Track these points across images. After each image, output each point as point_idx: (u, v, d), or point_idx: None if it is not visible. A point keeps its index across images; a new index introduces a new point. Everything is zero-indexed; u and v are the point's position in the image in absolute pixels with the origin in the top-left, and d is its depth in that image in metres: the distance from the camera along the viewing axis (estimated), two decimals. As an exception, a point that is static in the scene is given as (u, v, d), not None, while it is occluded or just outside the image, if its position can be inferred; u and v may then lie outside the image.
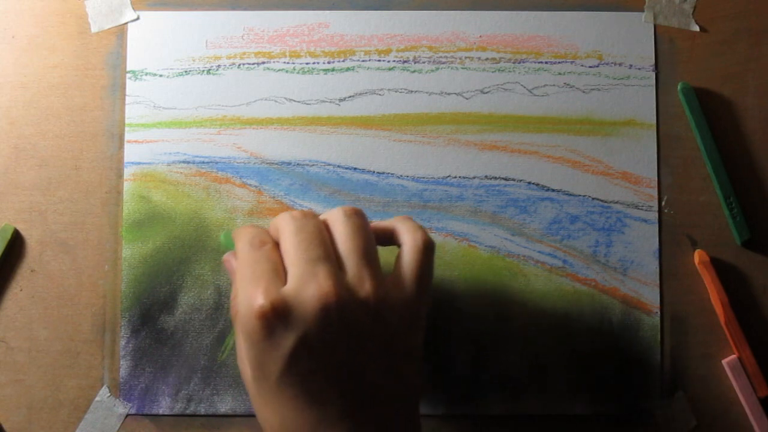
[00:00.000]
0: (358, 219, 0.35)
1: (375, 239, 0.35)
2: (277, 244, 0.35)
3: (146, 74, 0.44)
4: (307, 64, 0.44)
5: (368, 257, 0.34)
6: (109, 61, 0.44)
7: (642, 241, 0.43)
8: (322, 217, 0.36)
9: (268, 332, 0.32)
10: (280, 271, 0.33)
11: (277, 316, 0.32)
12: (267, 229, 0.36)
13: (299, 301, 0.32)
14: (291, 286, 0.32)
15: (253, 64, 0.44)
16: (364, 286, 0.33)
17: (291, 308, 0.32)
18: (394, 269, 0.35)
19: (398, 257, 0.35)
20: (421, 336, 0.35)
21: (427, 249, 0.35)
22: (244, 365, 0.34)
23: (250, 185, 0.44)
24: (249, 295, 0.32)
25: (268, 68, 0.44)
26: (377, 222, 0.37)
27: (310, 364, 0.32)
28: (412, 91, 0.44)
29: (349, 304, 0.32)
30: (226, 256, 0.38)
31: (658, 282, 0.43)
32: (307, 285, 0.32)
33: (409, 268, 0.35)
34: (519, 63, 0.44)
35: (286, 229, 0.34)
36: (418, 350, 0.35)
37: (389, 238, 0.36)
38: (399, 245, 0.36)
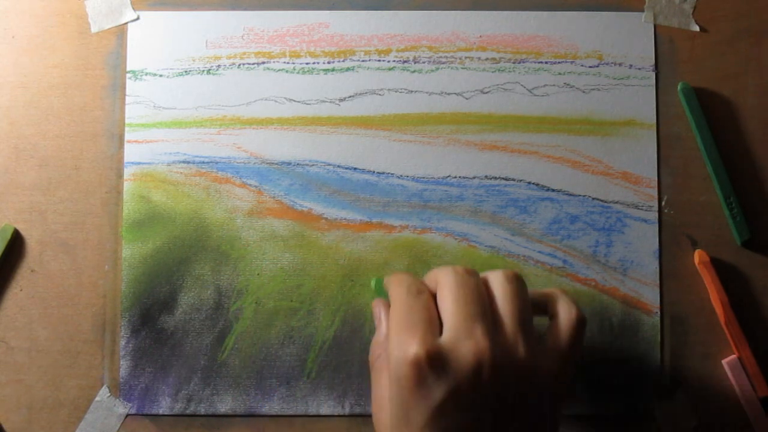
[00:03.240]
0: (518, 284, 0.36)
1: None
2: (433, 295, 0.35)
3: (146, 74, 0.44)
4: (307, 64, 0.44)
5: (524, 322, 0.34)
6: (109, 61, 0.44)
7: (642, 241, 0.43)
8: (482, 275, 0.36)
9: (420, 381, 0.32)
10: (435, 322, 0.34)
11: (430, 366, 0.32)
12: (422, 279, 0.37)
13: (454, 355, 0.32)
14: (447, 339, 0.33)
15: (253, 64, 0.44)
16: (518, 349, 0.33)
17: (445, 360, 0.32)
18: (547, 338, 0.36)
19: (551, 327, 0.36)
20: (563, 405, 0.36)
21: (581, 325, 0.36)
22: (381, 409, 0.35)
23: (250, 185, 0.44)
24: (404, 342, 0.33)
25: (268, 68, 0.44)
26: (534, 290, 0.38)
27: (456, 418, 0.32)
28: (412, 91, 0.44)
29: (502, 365, 0.33)
30: (376, 302, 0.39)
31: (658, 282, 0.43)
32: (463, 340, 0.33)
33: (562, 340, 0.35)
34: (519, 63, 0.44)
35: (447, 282, 0.35)
36: (559, 418, 0.35)
37: (544, 307, 0.37)
38: (552, 316, 0.36)
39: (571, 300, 0.37)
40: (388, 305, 0.38)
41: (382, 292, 0.39)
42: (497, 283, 0.35)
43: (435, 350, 0.32)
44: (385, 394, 0.35)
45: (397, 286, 0.36)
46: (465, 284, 0.34)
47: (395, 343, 0.33)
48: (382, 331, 0.38)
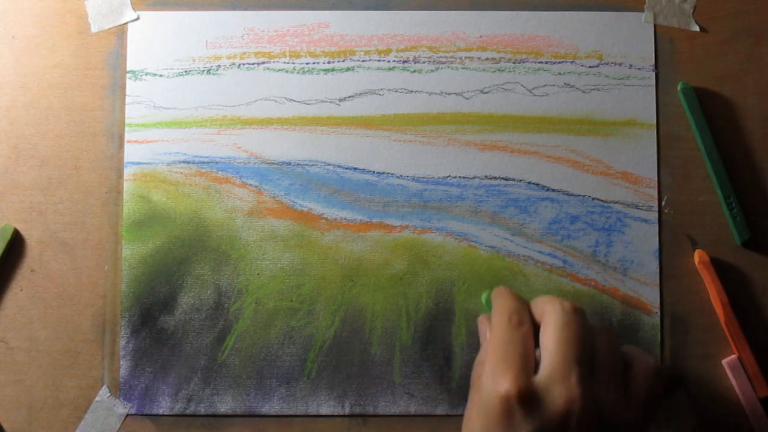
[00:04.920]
0: (613, 335, 0.36)
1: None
2: (534, 325, 0.35)
3: (146, 74, 0.44)
4: (307, 64, 0.44)
5: (618, 376, 0.35)
6: (109, 61, 0.44)
7: (642, 241, 0.43)
8: (591, 322, 0.36)
9: (507, 416, 0.32)
10: (531, 358, 0.34)
11: (520, 404, 0.32)
12: (527, 305, 0.36)
13: (545, 397, 0.33)
14: (541, 379, 0.33)
15: (253, 64, 0.44)
16: (608, 402, 0.34)
17: (536, 401, 0.32)
18: (629, 390, 0.35)
19: (632, 378, 0.36)
20: None
21: (659, 376, 0.36)
22: (469, 429, 0.35)
23: (250, 185, 0.44)
24: (497, 375, 0.33)
25: (268, 68, 0.44)
26: (626, 347, 0.38)
27: None
28: (412, 91, 0.44)
29: (591, 416, 0.33)
30: (482, 318, 0.39)
31: (658, 282, 0.43)
32: (557, 383, 0.33)
33: (643, 392, 0.35)
34: (519, 63, 0.44)
35: (553, 318, 0.35)
36: None
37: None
38: (628, 366, 0.36)
39: (645, 351, 0.37)
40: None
41: (490, 307, 0.39)
42: (602, 334, 0.35)
43: (527, 389, 0.32)
44: (475, 415, 0.35)
45: (499, 313, 0.36)
46: (570, 324, 0.34)
47: (489, 375, 0.33)
48: (485, 351, 0.38)
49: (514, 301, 0.36)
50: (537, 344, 0.35)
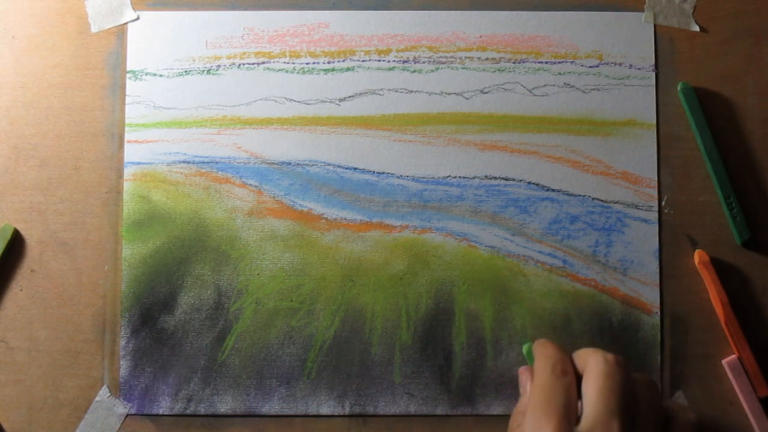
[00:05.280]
0: (657, 389, 0.36)
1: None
2: (578, 376, 0.36)
3: (146, 74, 0.44)
4: (307, 64, 0.44)
5: (657, 429, 0.35)
6: (109, 61, 0.44)
7: (642, 241, 0.43)
8: (635, 375, 0.36)
9: None
10: (573, 408, 0.34)
11: None
12: (569, 356, 0.37)
13: None
14: (584, 428, 0.33)
15: (253, 64, 0.44)
16: None
17: None
18: None
19: (671, 430, 0.36)
20: None
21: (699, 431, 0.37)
22: None
23: (250, 185, 0.44)
24: (540, 424, 0.33)
25: (268, 68, 0.44)
26: (668, 401, 0.38)
27: None
28: (412, 91, 0.44)
29: None
30: (522, 369, 0.40)
31: (658, 282, 0.43)
32: None
33: None
34: (519, 63, 0.44)
35: (596, 369, 0.35)
36: None
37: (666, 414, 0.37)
38: (671, 419, 0.36)
39: (688, 408, 0.38)
40: (532, 374, 0.38)
41: (531, 359, 0.40)
42: (644, 386, 0.36)
43: None
44: None
45: (542, 362, 0.36)
46: (613, 376, 0.34)
47: (532, 423, 0.34)
48: (524, 402, 0.38)
49: (558, 351, 0.37)
50: (579, 395, 0.35)
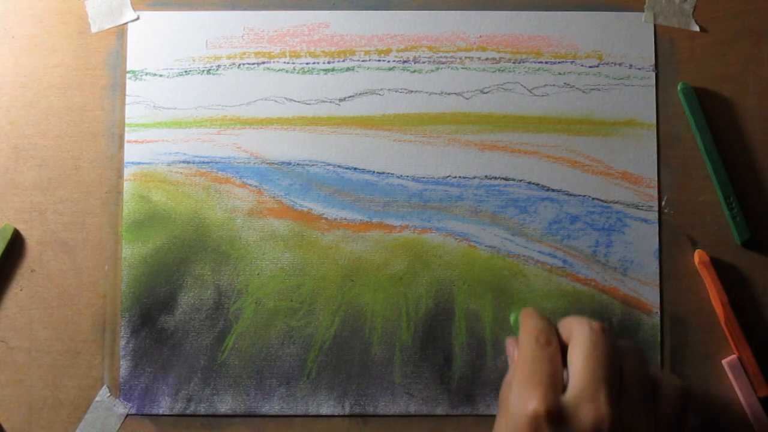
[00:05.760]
0: (644, 355, 0.36)
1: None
2: (561, 345, 0.35)
3: (146, 74, 0.44)
4: (307, 64, 0.44)
5: (647, 396, 0.35)
6: (109, 61, 0.44)
7: (642, 241, 0.43)
8: (621, 342, 0.36)
9: None
10: (559, 377, 0.34)
11: (548, 423, 0.32)
12: (554, 325, 0.36)
13: (574, 416, 0.32)
14: (569, 398, 0.33)
15: (253, 64, 0.44)
16: (636, 422, 0.33)
17: (564, 420, 0.32)
18: (658, 410, 0.35)
19: (661, 399, 0.35)
20: None
21: (688, 397, 0.36)
22: None
23: (250, 185, 0.44)
24: (525, 394, 0.33)
25: (268, 68, 0.44)
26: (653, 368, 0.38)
27: None
28: (412, 91, 0.44)
29: None
30: (510, 340, 0.39)
31: (658, 282, 0.43)
32: (585, 403, 0.33)
33: (672, 413, 0.35)
34: (519, 63, 0.44)
35: (581, 338, 0.35)
36: None
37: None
38: (656, 387, 0.36)
39: (672, 373, 0.38)
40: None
41: (518, 328, 0.39)
42: (631, 355, 0.35)
43: (555, 408, 0.32)
44: None
45: (527, 333, 0.36)
46: (598, 344, 0.34)
47: (516, 394, 0.33)
48: (512, 373, 0.38)
49: (541, 321, 0.36)
50: (564, 364, 0.35)
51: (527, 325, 0.36)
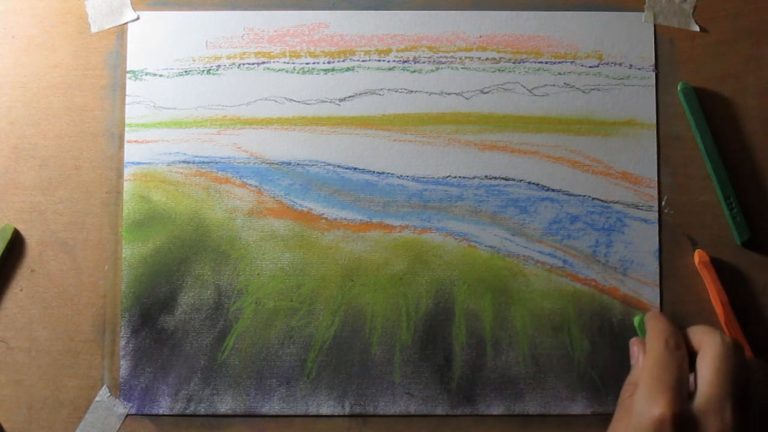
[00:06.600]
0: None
1: None
2: (690, 352, 0.35)
3: (146, 74, 0.44)
4: (307, 64, 0.44)
5: (765, 417, 0.35)
6: (109, 61, 0.44)
7: (642, 241, 0.43)
8: (750, 359, 0.36)
9: None
10: (687, 384, 0.34)
11: (672, 429, 0.32)
12: (681, 331, 0.37)
13: (698, 425, 0.33)
14: (697, 407, 0.33)
15: (253, 64, 0.44)
16: None
17: (688, 428, 0.33)
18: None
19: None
20: None
21: None
22: None
23: (250, 185, 0.44)
24: (653, 398, 0.33)
25: (268, 68, 0.44)
26: None
27: None
28: (412, 91, 0.44)
29: None
30: (634, 340, 0.39)
31: (658, 282, 0.43)
32: (712, 414, 0.33)
33: None
34: (519, 63, 0.44)
35: (713, 349, 0.35)
36: None
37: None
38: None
39: None
40: (644, 346, 0.38)
41: (643, 331, 0.39)
42: (756, 368, 0.36)
43: (682, 415, 0.33)
44: None
45: (656, 336, 0.36)
46: (730, 358, 0.34)
47: (643, 397, 0.34)
48: (636, 374, 0.38)
49: (670, 325, 0.37)
50: (690, 371, 0.35)
51: (656, 328, 0.36)
